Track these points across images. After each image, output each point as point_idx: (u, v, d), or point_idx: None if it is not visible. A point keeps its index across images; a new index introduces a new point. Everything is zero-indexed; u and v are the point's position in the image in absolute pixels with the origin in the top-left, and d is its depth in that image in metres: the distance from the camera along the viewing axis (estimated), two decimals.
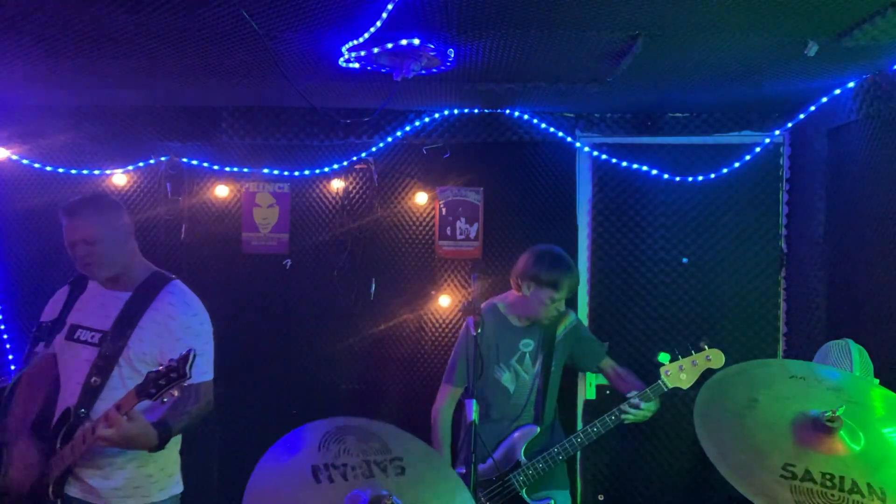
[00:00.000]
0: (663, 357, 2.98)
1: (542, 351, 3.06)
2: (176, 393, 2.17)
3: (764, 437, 1.77)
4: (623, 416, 2.92)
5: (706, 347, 2.98)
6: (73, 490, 2.43)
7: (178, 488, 2.61)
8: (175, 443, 2.57)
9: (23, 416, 2.53)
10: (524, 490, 2.93)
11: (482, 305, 3.16)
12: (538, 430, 3.01)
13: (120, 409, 2.19)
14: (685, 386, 2.94)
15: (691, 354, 2.97)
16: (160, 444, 2.31)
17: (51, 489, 2.38)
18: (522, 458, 2.95)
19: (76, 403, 2.42)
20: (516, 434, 3.01)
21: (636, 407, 2.91)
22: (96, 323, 2.50)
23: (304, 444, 1.85)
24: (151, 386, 2.14)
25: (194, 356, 2.15)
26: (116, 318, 2.47)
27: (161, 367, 2.15)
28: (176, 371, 2.13)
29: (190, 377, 2.15)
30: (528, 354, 3.07)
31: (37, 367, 2.62)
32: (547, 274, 2.94)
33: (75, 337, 2.51)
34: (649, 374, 3.85)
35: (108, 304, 2.51)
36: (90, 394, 2.40)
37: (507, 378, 3.05)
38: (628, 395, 2.96)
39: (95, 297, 2.57)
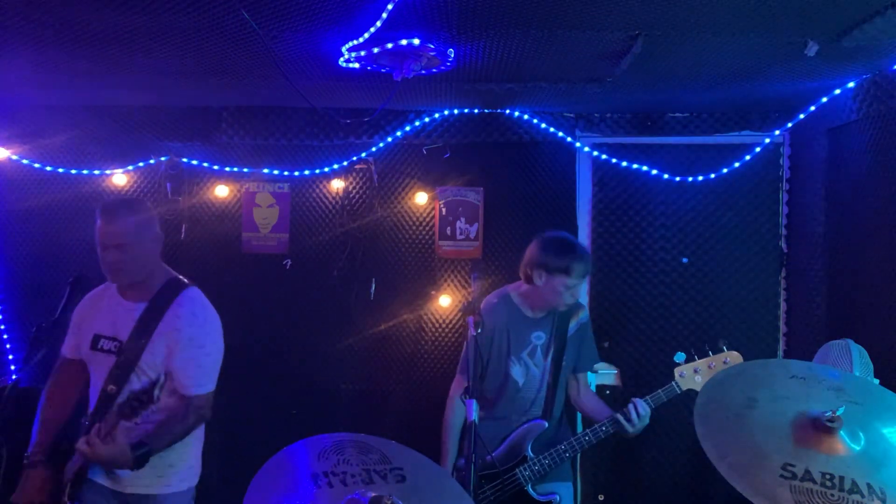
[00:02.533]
0: (679, 357, 2.89)
1: (553, 345, 3.03)
2: (155, 410, 2.31)
3: (764, 437, 1.77)
4: (623, 422, 2.85)
5: (725, 349, 2.88)
6: (100, 477, 2.48)
7: (195, 480, 2.66)
8: (198, 437, 2.63)
9: (54, 425, 2.60)
10: (529, 485, 2.93)
11: (493, 294, 3.13)
12: (546, 425, 2.98)
13: (97, 434, 2.26)
14: (700, 388, 2.85)
15: (708, 356, 2.88)
16: (137, 465, 2.35)
17: (66, 492, 2.43)
18: (530, 454, 2.94)
19: (93, 411, 2.48)
20: (524, 428, 2.99)
21: (639, 414, 2.85)
22: (115, 332, 2.54)
23: (302, 454, 1.85)
24: (126, 407, 2.24)
25: (162, 383, 2.28)
26: (133, 328, 2.50)
27: (135, 390, 2.27)
28: (146, 394, 2.24)
29: (157, 401, 2.27)
30: (539, 347, 3.03)
31: (65, 375, 2.67)
32: (557, 260, 2.87)
33: (99, 346, 2.55)
34: (649, 373, 3.87)
35: (128, 315, 2.54)
36: (106, 401, 2.45)
37: (517, 371, 3.01)
38: (646, 399, 2.88)
39: (114, 305, 2.59)
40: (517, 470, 2.93)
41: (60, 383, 2.66)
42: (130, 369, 2.46)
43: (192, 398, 2.49)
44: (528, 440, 2.96)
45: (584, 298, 3.90)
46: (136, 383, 2.45)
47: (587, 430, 2.93)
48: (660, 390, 2.89)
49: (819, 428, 1.75)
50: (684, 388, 2.87)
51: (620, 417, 2.86)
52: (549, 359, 3.02)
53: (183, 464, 2.58)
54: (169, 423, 2.44)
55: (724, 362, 2.86)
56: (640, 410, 2.85)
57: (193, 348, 2.49)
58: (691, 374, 2.88)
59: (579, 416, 3.85)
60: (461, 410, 3.02)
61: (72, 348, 2.65)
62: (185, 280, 2.64)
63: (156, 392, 2.23)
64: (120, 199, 2.57)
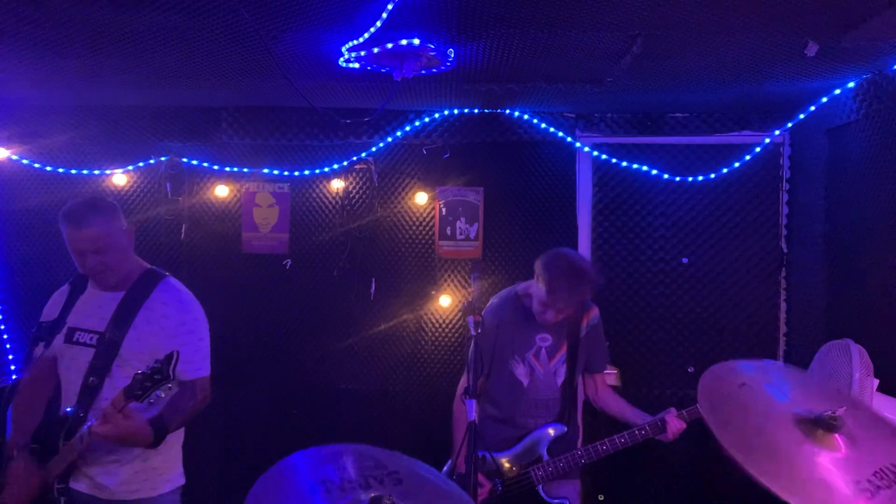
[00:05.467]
0: None
1: (564, 347, 3.01)
2: (163, 395, 2.21)
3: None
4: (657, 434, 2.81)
5: None
6: (82, 486, 2.46)
7: (181, 480, 2.65)
8: (177, 438, 2.60)
9: (27, 423, 2.54)
10: (540, 485, 2.93)
11: (501, 292, 3.11)
12: (566, 429, 2.99)
13: (114, 406, 2.22)
14: None
15: None
16: (156, 441, 2.33)
17: (55, 488, 2.40)
18: (545, 455, 2.94)
19: (75, 404, 2.44)
20: (545, 430, 2.99)
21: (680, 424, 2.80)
22: (92, 324, 2.51)
23: (299, 464, 1.85)
24: (137, 388, 2.18)
25: (177, 357, 2.20)
26: (111, 318, 2.48)
27: (146, 370, 2.19)
28: (160, 373, 2.18)
29: (173, 378, 2.20)
30: (544, 349, 3.00)
31: (36, 373, 2.63)
32: (545, 272, 2.79)
33: (74, 339, 2.52)
34: (650, 373, 3.87)
35: (104, 305, 2.52)
36: (88, 394, 2.42)
37: (521, 371, 3.00)
38: (681, 413, 2.82)
39: (92, 298, 2.57)
40: (530, 469, 2.93)
41: (35, 382, 2.61)
42: (111, 359, 2.43)
43: (195, 381, 2.48)
44: (545, 442, 2.96)
45: None
46: (117, 373, 2.42)
47: (605, 440, 2.88)
48: (697, 405, 2.84)
49: (820, 430, 1.71)
50: None
51: (650, 428, 2.84)
52: (560, 361, 3.01)
53: (167, 466, 2.56)
54: (177, 401, 2.41)
55: None
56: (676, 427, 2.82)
57: (185, 334, 2.49)
58: None
59: (579, 419, 3.85)
60: (465, 408, 3.02)
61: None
62: (160, 270, 2.63)
63: (170, 369, 2.18)
64: (82, 202, 2.49)
